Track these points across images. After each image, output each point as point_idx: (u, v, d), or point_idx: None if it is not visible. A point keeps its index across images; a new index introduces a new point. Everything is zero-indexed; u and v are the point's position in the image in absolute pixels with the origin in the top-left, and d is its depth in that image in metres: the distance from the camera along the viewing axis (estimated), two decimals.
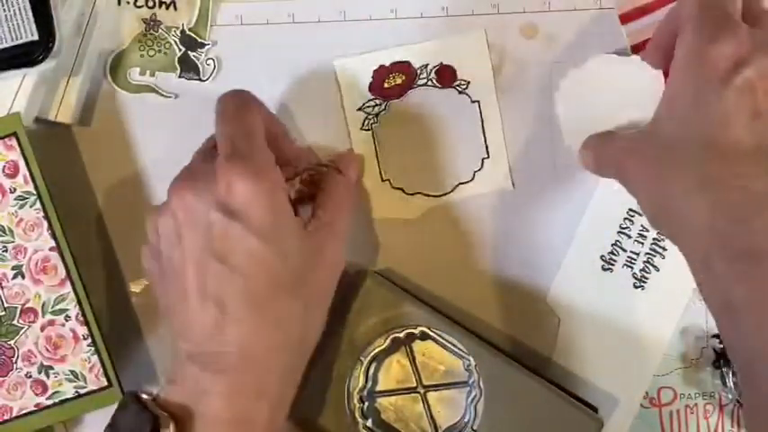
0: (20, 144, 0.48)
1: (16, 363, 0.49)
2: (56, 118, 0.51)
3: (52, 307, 0.49)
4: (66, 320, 0.49)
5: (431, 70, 0.53)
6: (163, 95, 0.53)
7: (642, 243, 0.53)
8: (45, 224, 0.48)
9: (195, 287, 0.41)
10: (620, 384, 0.53)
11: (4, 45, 0.47)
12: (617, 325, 0.53)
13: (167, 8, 0.52)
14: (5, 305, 0.49)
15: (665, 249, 0.53)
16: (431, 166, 0.53)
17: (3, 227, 0.48)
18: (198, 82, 0.53)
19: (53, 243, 0.49)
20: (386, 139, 0.53)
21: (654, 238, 0.53)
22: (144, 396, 0.42)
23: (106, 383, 0.49)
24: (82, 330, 0.49)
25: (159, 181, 0.53)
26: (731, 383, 0.52)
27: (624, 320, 0.53)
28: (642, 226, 0.53)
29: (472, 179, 0.53)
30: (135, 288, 0.53)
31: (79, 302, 0.49)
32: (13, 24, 0.47)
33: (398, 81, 0.53)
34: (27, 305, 0.49)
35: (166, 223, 0.43)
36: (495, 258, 0.53)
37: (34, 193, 0.48)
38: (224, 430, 0.40)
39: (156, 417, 0.40)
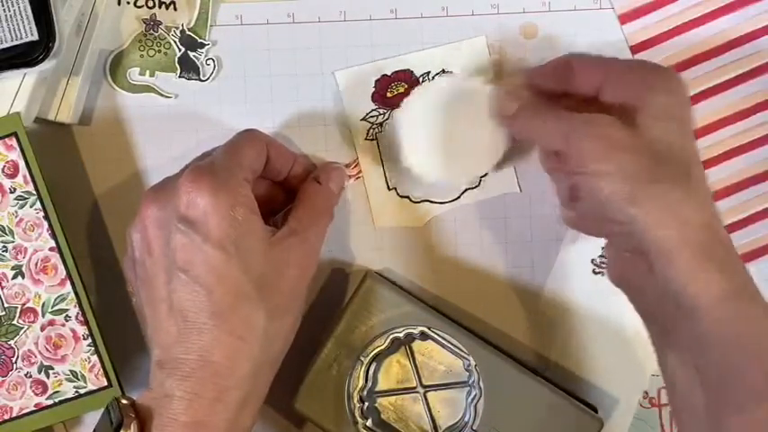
0: (20, 144, 0.48)
1: (16, 363, 0.49)
2: (56, 118, 0.51)
3: (52, 307, 0.49)
4: (67, 320, 0.49)
5: (432, 78, 0.53)
6: (163, 95, 0.53)
7: None
8: (45, 224, 0.48)
9: (163, 296, 0.43)
10: (620, 384, 0.53)
11: (4, 45, 0.47)
12: (612, 326, 0.53)
13: (167, 8, 0.52)
14: (5, 305, 0.49)
15: None
16: None
17: (3, 227, 0.48)
18: (198, 82, 0.53)
19: (53, 243, 0.49)
20: (391, 149, 0.52)
21: None
22: (124, 401, 0.43)
23: (106, 383, 0.49)
24: (82, 330, 0.49)
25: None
26: None
27: (618, 322, 0.53)
28: None
29: (479, 185, 0.53)
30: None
31: (79, 302, 0.49)
32: (13, 24, 0.47)
33: (401, 90, 0.53)
34: (27, 305, 0.49)
35: (138, 234, 0.45)
36: (495, 259, 0.54)
37: (34, 193, 0.48)
38: (181, 431, 0.42)
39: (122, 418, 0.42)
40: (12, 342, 0.49)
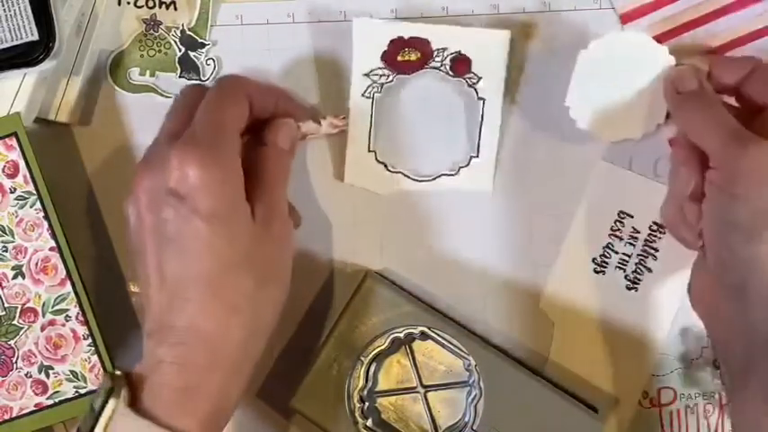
0: (20, 144, 0.48)
1: (16, 363, 0.49)
2: (56, 118, 0.51)
3: (52, 307, 0.49)
4: (67, 320, 0.49)
5: (447, 56, 0.52)
6: (163, 95, 0.53)
7: (634, 245, 0.53)
8: (45, 224, 0.48)
9: (153, 267, 0.44)
10: (620, 384, 0.53)
11: (4, 45, 0.47)
12: (612, 326, 0.53)
13: (167, 8, 0.52)
14: (6, 305, 0.49)
15: (656, 251, 0.53)
16: (419, 150, 0.53)
17: (3, 227, 0.48)
18: (198, 82, 0.53)
19: (53, 243, 0.49)
20: (384, 112, 0.52)
21: (645, 240, 0.53)
22: (117, 372, 0.44)
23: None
24: (82, 330, 0.49)
25: None
26: None
27: (618, 322, 0.53)
28: (633, 228, 0.53)
29: (456, 173, 0.53)
30: (135, 288, 0.52)
31: (79, 302, 0.49)
32: (13, 24, 0.47)
33: (412, 57, 0.52)
34: (27, 305, 0.49)
35: (131, 207, 0.45)
36: (495, 259, 0.53)
37: (34, 192, 0.48)
38: (172, 395, 0.42)
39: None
40: (12, 342, 0.49)
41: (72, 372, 0.49)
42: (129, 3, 0.52)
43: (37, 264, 0.49)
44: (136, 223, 0.45)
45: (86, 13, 0.51)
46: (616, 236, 0.53)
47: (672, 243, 0.52)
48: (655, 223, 0.53)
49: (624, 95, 0.50)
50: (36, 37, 0.47)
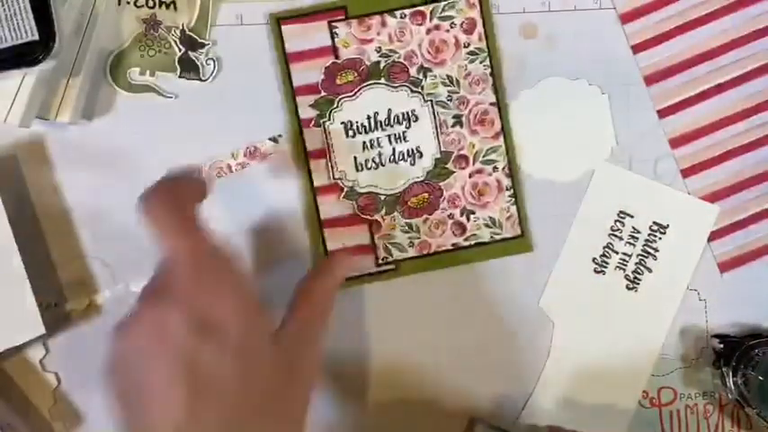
0: (481, 4, 0.51)
1: (442, 203, 0.52)
2: (56, 118, 0.51)
3: (483, 156, 0.52)
4: (494, 171, 0.52)
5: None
6: (163, 95, 0.53)
7: (634, 245, 0.53)
8: (490, 80, 0.52)
9: (169, 418, 0.38)
10: (620, 384, 0.53)
11: (4, 45, 0.47)
12: (613, 326, 0.53)
13: (167, 8, 0.52)
14: (442, 149, 0.52)
15: (657, 251, 0.53)
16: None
17: (451, 77, 0.51)
18: (198, 82, 0.53)
19: (494, 99, 0.52)
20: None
21: (645, 240, 0.53)
22: None
23: (520, 233, 0.52)
24: (506, 182, 0.52)
25: None
26: (731, 383, 0.52)
27: (618, 322, 0.53)
28: (633, 228, 0.53)
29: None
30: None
31: (508, 156, 0.52)
32: (13, 24, 0.47)
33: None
34: (461, 152, 0.52)
35: (136, 343, 0.39)
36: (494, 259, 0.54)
37: (485, 50, 0.52)
38: None
39: None
40: (441, 184, 0.52)
41: (491, 218, 0.52)
42: (129, 3, 0.52)
43: (476, 115, 0.52)
44: (141, 362, 0.38)
45: (86, 13, 0.51)
46: (616, 236, 0.53)
47: (672, 243, 0.52)
48: (655, 223, 0.53)
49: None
50: (36, 37, 0.47)
